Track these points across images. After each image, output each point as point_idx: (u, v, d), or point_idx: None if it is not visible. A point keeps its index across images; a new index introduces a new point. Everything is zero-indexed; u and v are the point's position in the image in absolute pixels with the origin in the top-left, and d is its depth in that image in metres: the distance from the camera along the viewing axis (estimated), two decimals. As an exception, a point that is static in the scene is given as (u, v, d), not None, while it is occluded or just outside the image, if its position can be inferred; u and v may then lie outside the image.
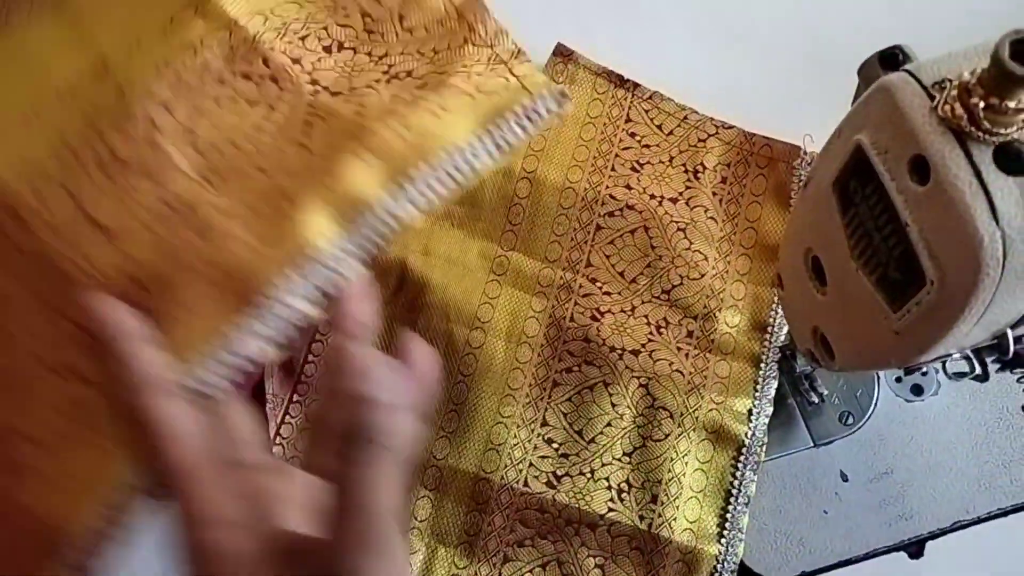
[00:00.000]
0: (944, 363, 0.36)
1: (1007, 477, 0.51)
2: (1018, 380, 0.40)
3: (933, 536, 0.50)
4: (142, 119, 0.31)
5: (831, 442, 0.52)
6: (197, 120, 0.32)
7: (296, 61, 0.33)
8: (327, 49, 0.34)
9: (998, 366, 0.39)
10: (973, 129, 0.29)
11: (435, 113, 0.31)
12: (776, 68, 0.61)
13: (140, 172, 0.31)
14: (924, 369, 0.53)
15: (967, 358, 0.36)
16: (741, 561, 0.50)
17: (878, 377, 0.54)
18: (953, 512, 0.50)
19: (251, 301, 0.28)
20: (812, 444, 0.52)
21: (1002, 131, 0.29)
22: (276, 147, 0.32)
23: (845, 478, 0.52)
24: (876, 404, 0.53)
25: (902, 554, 0.50)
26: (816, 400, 0.53)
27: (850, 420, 0.53)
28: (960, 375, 0.41)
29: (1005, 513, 0.50)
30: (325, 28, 0.35)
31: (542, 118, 0.33)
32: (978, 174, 0.29)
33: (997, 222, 0.28)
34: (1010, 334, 0.34)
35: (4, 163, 0.32)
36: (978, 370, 0.39)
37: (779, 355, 0.54)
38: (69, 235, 0.31)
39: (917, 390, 0.53)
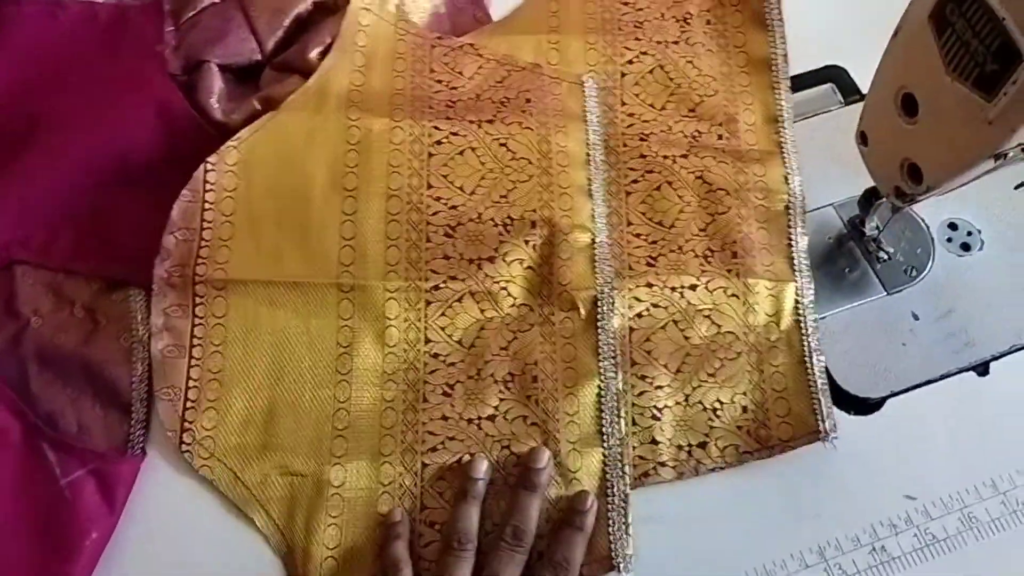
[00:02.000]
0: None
1: (1050, 309, 0.61)
2: None
3: (995, 358, 0.58)
4: None
5: (901, 290, 0.61)
6: None
7: None
8: None
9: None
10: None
11: None
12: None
13: None
14: (969, 230, 0.64)
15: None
16: (839, 386, 0.58)
17: (932, 239, 0.63)
18: (1009, 339, 0.59)
19: None
20: (885, 292, 0.61)
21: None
22: None
23: (916, 317, 0.61)
24: (934, 259, 0.62)
25: (971, 374, 0.59)
26: (885, 257, 0.62)
27: (914, 273, 0.62)
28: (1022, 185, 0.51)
29: (1053, 337, 0.60)
30: None
31: None
32: (1062, -35, 0.39)
33: (1079, -6, 0.38)
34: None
35: None
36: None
37: (850, 227, 0.64)
38: None
39: (965, 247, 0.63)
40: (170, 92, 0.63)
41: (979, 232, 0.63)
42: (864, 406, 0.58)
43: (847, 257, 0.63)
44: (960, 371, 0.58)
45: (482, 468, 0.53)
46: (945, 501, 0.55)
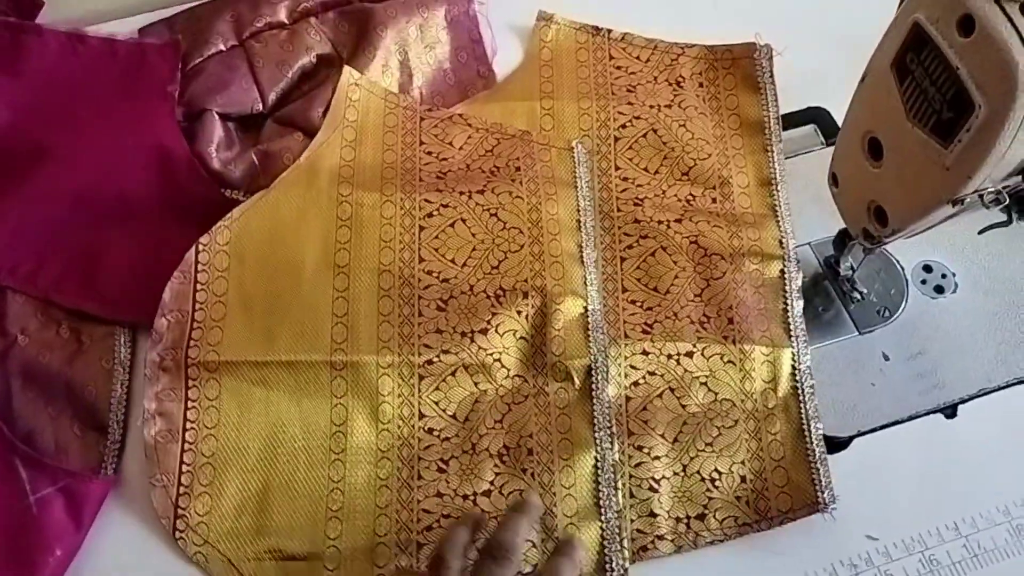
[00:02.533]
0: (982, 196, 0.46)
1: (1019, 355, 0.61)
2: None
3: (963, 401, 0.59)
4: None
5: (873, 330, 0.62)
6: None
7: None
8: None
9: (1018, 214, 0.50)
10: (1005, -11, 0.40)
11: None
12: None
13: None
14: (943, 272, 0.65)
15: (997, 199, 0.46)
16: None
17: (906, 280, 0.64)
18: (978, 382, 0.59)
19: None
20: (857, 332, 0.62)
21: (1026, -9, 0.40)
22: None
23: (887, 357, 0.61)
24: (907, 301, 0.63)
25: (939, 415, 0.59)
26: (858, 298, 0.63)
27: (886, 313, 0.63)
28: (986, 229, 0.52)
29: (1020, 382, 0.60)
30: None
31: None
32: (1010, 20, 0.39)
33: (1027, 50, 0.39)
34: (1034, 167, 0.44)
35: None
36: (1003, 217, 0.50)
37: (826, 267, 0.64)
38: None
39: (939, 289, 0.63)
40: (174, 138, 0.65)
41: (953, 275, 0.64)
42: (831, 444, 0.58)
43: (822, 296, 0.64)
44: (928, 412, 0.59)
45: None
46: (907, 543, 0.55)
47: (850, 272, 0.63)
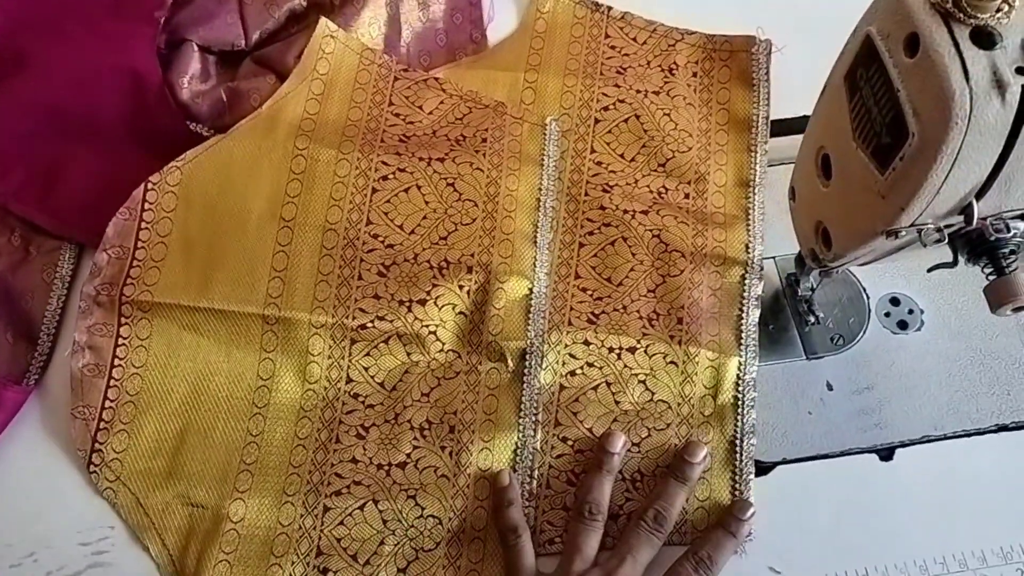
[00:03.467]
0: (920, 231, 0.43)
1: (973, 406, 0.58)
2: (982, 269, 0.46)
3: (903, 445, 0.57)
4: None
5: (821, 357, 0.60)
6: None
7: None
8: None
9: (966, 256, 0.46)
10: (956, 11, 0.37)
11: None
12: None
13: None
14: (911, 308, 0.61)
15: (939, 235, 0.43)
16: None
17: (869, 310, 0.61)
18: (923, 428, 0.57)
19: None
20: (805, 356, 0.60)
21: (979, 15, 0.37)
22: None
23: (830, 387, 0.59)
24: (865, 332, 0.60)
25: (874, 457, 0.56)
26: (812, 321, 0.60)
27: (840, 342, 0.60)
28: (934, 268, 0.49)
29: (968, 435, 0.57)
30: None
31: None
32: (956, 45, 0.37)
33: (968, 81, 0.36)
34: (975, 205, 0.41)
35: None
36: (949, 258, 0.47)
37: (786, 284, 0.62)
38: None
39: (903, 325, 0.61)
40: (150, 64, 0.65)
41: (921, 312, 0.61)
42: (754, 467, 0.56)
43: (777, 314, 0.62)
44: (863, 451, 0.57)
45: (619, 443, 0.54)
46: (810, 582, 0.52)
47: (808, 293, 0.60)
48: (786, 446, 0.57)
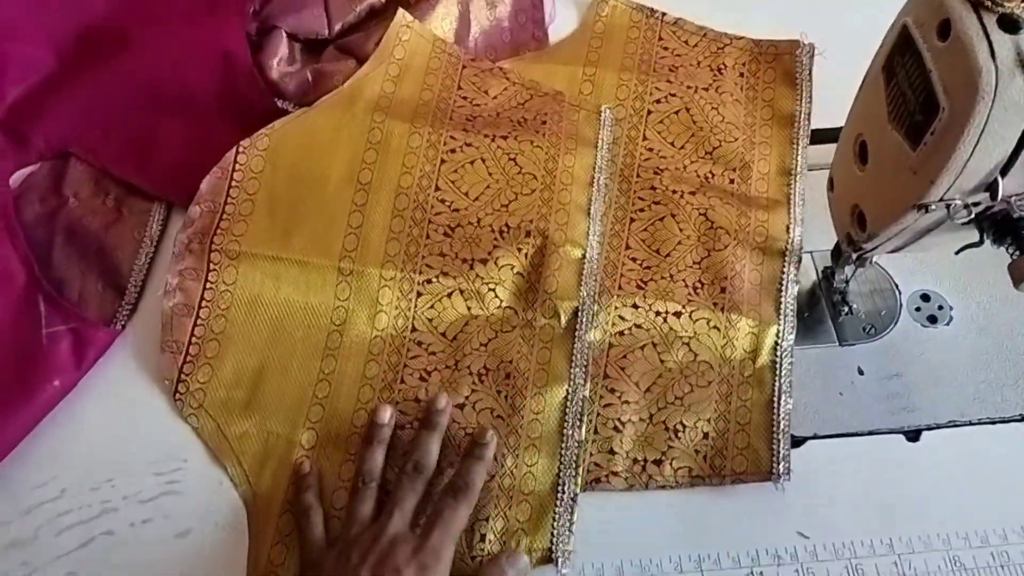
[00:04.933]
0: (948, 206, 0.47)
1: (999, 396, 0.62)
2: (1007, 249, 0.50)
3: (930, 428, 0.60)
4: None
5: (854, 344, 0.64)
6: None
7: None
8: None
9: (992, 236, 0.50)
10: (985, 0, 0.41)
11: None
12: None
13: None
14: (940, 304, 0.65)
15: (966, 211, 0.47)
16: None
17: (900, 304, 0.65)
18: (950, 413, 0.61)
19: None
20: (838, 343, 0.64)
21: (1006, 4, 0.41)
22: None
23: (861, 372, 0.63)
24: (896, 324, 0.64)
25: (901, 437, 0.60)
26: (846, 311, 0.65)
27: (872, 332, 0.64)
28: (961, 249, 0.53)
29: (993, 422, 0.60)
30: None
31: None
32: (984, 29, 0.42)
33: (994, 60, 0.41)
34: (1000, 181, 0.45)
35: None
36: (977, 238, 0.50)
37: (822, 277, 0.66)
38: None
39: (932, 319, 0.65)
40: (240, 46, 0.73)
41: (951, 308, 0.65)
42: (785, 438, 0.60)
43: (813, 304, 0.66)
44: (891, 431, 0.60)
45: (386, 415, 0.59)
46: (836, 547, 0.56)
47: (843, 285, 0.64)
48: (817, 423, 0.61)
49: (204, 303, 0.63)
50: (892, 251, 0.57)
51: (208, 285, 0.63)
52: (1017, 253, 0.49)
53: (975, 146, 0.44)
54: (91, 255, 0.66)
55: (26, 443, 0.58)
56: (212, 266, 0.64)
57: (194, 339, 0.62)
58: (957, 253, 0.54)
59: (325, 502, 0.57)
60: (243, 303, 0.63)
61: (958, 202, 0.48)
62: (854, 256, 0.60)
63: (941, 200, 0.48)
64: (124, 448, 0.60)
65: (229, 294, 0.63)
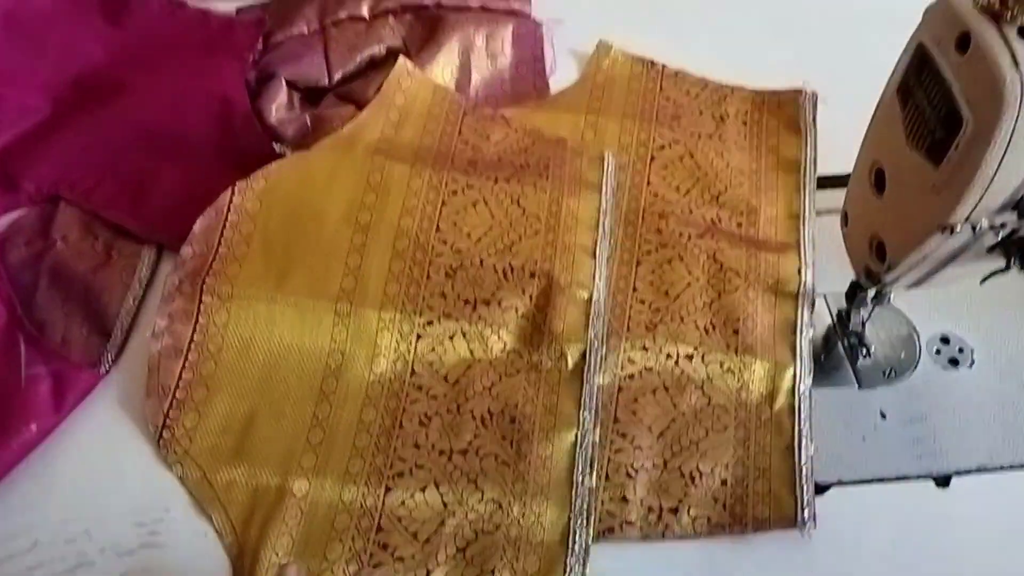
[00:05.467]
0: (975, 228, 0.45)
1: (1027, 441, 0.58)
2: None
3: (959, 473, 0.57)
4: None
5: (874, 388, 0.61)
6: None
7: None
8: None
9: (1019, 261, 0.49)
10: (1005, 12, 0.41)
11: None
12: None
13: None
14: (960, 347, 0.63)
15: (993, 233, 0.46)
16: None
17: (920, 347, 0.63)
18: (978, 458, 0.58)
19: None
20: (858, 386, 0.61)
21: (1024, 15, 0.41)
22: None
23: (884, 416, 0.60)
24: (916, 367, 0.62)
25: (930, 483, 0.57)
26: (864, 353, 0.62)
27: (892, 375, 0.62)
28: (987, 277, 0.51)
29: (1024, 468, 0.57)
30: None
31: None
32: (1005, 39, 0.41)
33: (1017, 68, 0.40)
34: (1028, 198, 0.44)
35: None
36: (1003, 264, 0.49)
37: (837, 320, 0.64)
38: None
39: (954, 362, 0.63)
40: (238, 91, 0.73)
41: (972, 351, 0.63)
42: (807, 485, 0.56)
43: (829, 350, 0.64)
44: (919, 477, 0.57)
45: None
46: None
47: (859, 327, 0.62)
48: (841, 468, 0.58)
49: (193, 346, 0.60)
50: (912, 285, 0.55)
51: (198, 327, 0.61)
52: (1046, 278, 0.48)
53: (1002, 159, 0.42)
54: (76, 298, 0.63)
55: (-3, 490, 0.55)
56: (203, 308, 0.61)
57: (181, 383, 0.59)
58: (982, 282, 0.52)
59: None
60: (234, 346, 0.60)
61: (984, 224, 0.46)
62: (872, 292, 0.59)
63: (967, 220, 0.46)
64: (103, 497, 0.56)
65: (220, 337, 0.60)
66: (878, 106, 0.52)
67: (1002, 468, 0.58)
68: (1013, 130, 0.41)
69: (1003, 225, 0.46)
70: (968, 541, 0.55)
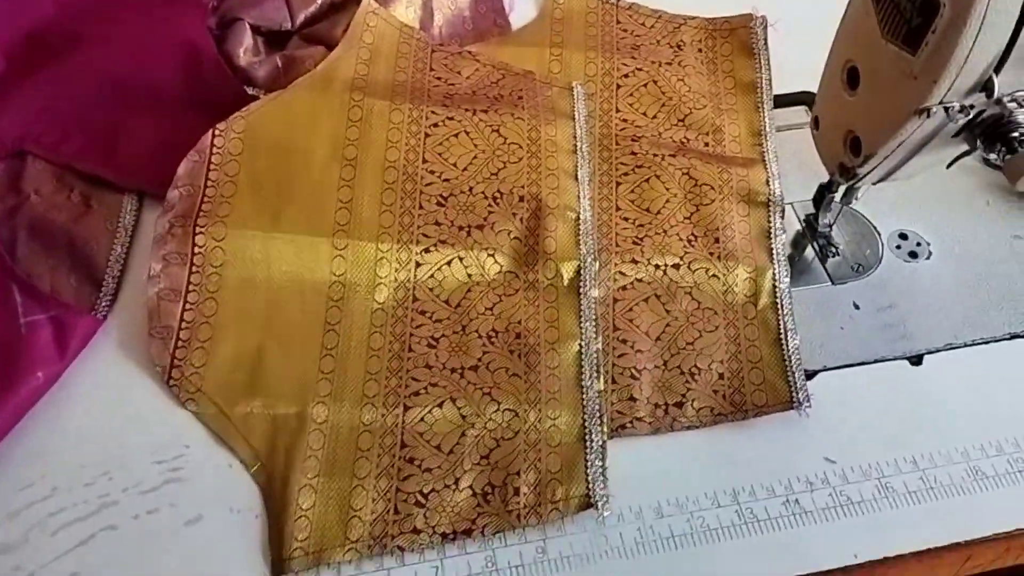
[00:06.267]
0: (947, 109, 0.49)
1: (987, 318, 0.64)
2: (997, 153, 0.53)
3: (929, 352, 0.62)
4: None
5: (845, 282, 0.66)
6: None
7: None
8: None
9: (984, 143, 0.53)
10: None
11: None
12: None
13: None
14: (918, 241, 0.68)
15: (963, 114, 0.50)
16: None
17: (882, 243, 0.68)
18: (945, 336, 0.63)
19: None
20: (830, 283, 0.66)
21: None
22: None
23: (857, 307, 0.64)
24: (881, 261, 0.67)
25: (905, 363, 0.62)
26: (833, 252, 0.67)
27: (860, 270, 0.66)
28: (953, 162, 0.56)
29: (986, 342, 0.63)
30: None
31: None
32: (976, -75, 0.44)
33: (988, -51, 0.44)
34: (995, 78, 0.48)
35: None
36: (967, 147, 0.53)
37: (805, 225, 0.69)
38: None
39: (913, 255, 0.68)
40: (203, 39, 0.71)
41: (928, 244, 0.68)
42: (797, 374, 0.61)
43: (801, 252, 0.68)
44: (895, 358, 0.61)
45: None
46: (864, 469, 0.57)
47: (827, 229, 0.67)
48: (824, 356, 0.62)
49: (192, 287, 0.60)
50: (880, 179, 0.60)
51: (194, 268, 0.60)
52: (1008, 155, 0.52)
53: (975, 40, 0.46)
54: (60, 249, 0.61)
55: (8, 442, 0.54)
56: (197, 249, 0.60)
57: (184, 324, 0.58)
58: (949, 166, 0.57)
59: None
60: (234, 285, 0.60)
61: (956, 105, 0.51)
62: (839, 195, 0.63)
63: (940, 103, 0.50)
64: (118, 439, 0.55)
65: (218, 276, 0.60)
66: (848, 6, 0.56)
67: (966, 344, 0.63)
68: (986, 10, 0.45)
69: (972, 106, 0.51)
70: (943, 410, 0.60)
